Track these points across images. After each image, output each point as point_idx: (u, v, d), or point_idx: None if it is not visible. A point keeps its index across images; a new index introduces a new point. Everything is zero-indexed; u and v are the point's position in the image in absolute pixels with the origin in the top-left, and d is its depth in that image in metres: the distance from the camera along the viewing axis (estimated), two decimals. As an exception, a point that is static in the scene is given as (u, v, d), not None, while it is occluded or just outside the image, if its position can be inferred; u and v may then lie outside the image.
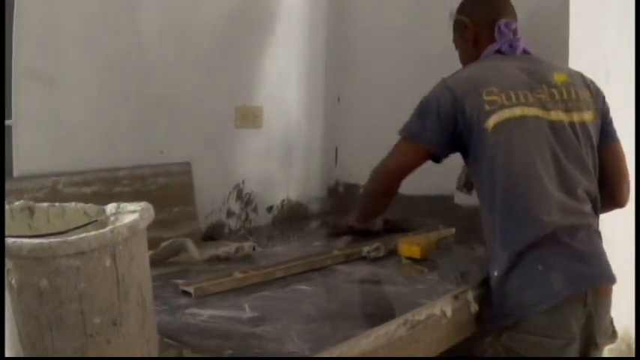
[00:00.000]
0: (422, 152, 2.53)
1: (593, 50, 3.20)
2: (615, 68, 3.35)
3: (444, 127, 2.44)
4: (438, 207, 3.32)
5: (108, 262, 1.39)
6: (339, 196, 3.82)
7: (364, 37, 3.71)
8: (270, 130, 3.38)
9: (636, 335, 2.24)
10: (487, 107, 2.37)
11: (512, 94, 2.41)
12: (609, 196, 2.55)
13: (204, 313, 1.95)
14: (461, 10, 2.80)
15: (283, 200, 3.50)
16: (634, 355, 2.82)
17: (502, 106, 2.37)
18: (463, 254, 2.70)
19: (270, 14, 3.34)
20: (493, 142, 2.36)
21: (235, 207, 3.21)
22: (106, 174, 2.59)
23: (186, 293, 2.11)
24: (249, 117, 3.22)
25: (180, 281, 2.19)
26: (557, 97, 2.46)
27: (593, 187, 2.44)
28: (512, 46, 2.62)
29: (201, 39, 2.97)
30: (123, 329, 1.43)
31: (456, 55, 2.76)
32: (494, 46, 2.63)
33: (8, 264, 1.35)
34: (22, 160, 2.36)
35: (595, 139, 2.49)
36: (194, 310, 1.97)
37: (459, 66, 2.76)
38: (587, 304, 2.26)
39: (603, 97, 2.59)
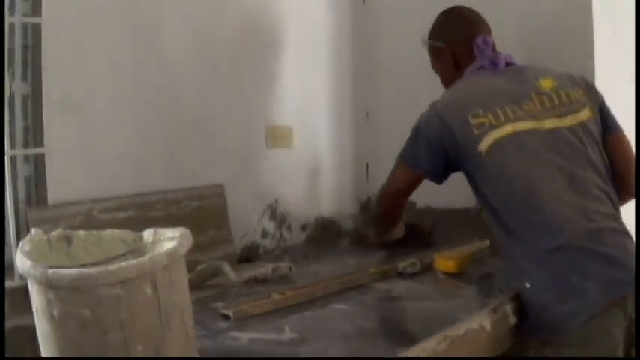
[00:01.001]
0: (417, 176, 2.63)
1: (617, 53, 3.19)
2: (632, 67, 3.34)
3: (436, 154, 2.49)
4: (470, 219, 3.31)
5: (149, 290, 1.39)
6: (371, 211, 3.81)
7: (390, 51, 3.71)
8: (301, 148, 3.39)
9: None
10: (476, 131, 2.39)
11: (499, 111, 2.41)
12: (620, 187, 2.51)
13: (245, 336, 1.94)
14: (433, 35, 2.85)
15: (317, 218, 3.49)
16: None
17: (491, 127, 2.39)
18: (498, 266, 2.68)
19: (294, 32, 3.34)
20: (490, 164, 2.37)
21: (269, 227, 3.20)
22: (140, 199, 2.59)
23: (225, 316, 2.11)
24: (279, 137, 3.22)
25: (218, 304, 2.19)
26: (547, 104, 2.46)
27: (609, 186, 2.42)
28: (492, 62, 2.63)
29: (228, 60, 2.99)
30: (165, 356, 1.44)
31: None
32: (476, 65, 2.66)
33: (49, 295, 1.36)
34: (57, 188, 2.37)
35: (598, 136, 2.48)
36: (234, 334, 1.97)
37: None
38: (627, 310, 2.22)
39: (596, 90, 2.59)
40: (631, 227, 3.02)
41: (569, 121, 2.44)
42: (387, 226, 3.02)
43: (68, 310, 1.36)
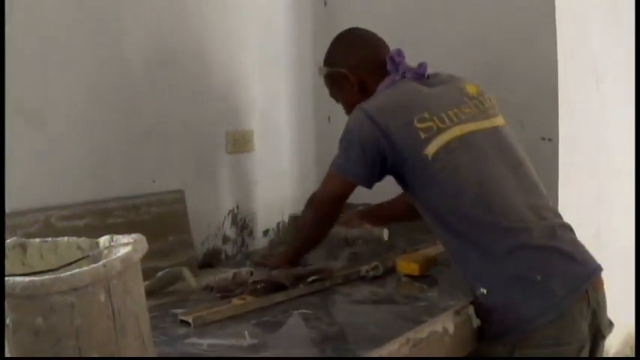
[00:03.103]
0: (350, 184, 2.49)
1: (582, 54, 3.20)
2: (605, 71, 3.35)
3: (370, 159, 2.38)
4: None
5: (103, 297, 1.37)
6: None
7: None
8: (262, 152, 3.38)
9: (636, 335, 2.25)
10: (422, 135, 2.33)
11: (443, 116, 2.38)
12: None
13: (204, 342, 1.93)
14: (331, 61, 2.71)
15: (279, 223, 3.49)
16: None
17: (439, 131, 2.34)
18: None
19: (256, 36, 3.34)
20: (438, 168, 2.32)
21: (231, 232, 3.19)
22: (99, 206, 2.57)
23: (184, 323, 2.09)
24: (240, 141, 3.21)
25: (178, 311, 2.17)
26: (480, 107, 2.47)
27: (542, 184, 2.45)
28: (417, 73, 2.55)
29: (188, 65, 2.97)
30: (121, 364, 1.42)
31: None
32: (391, 78, 2.55)
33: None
34: (14, 195, 2.34)
35: None
36: (194, 340, 1.95)
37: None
38: (590, 302, 2.25)
39: None
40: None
41: (498, 121, 2.49)
42: (314, 239, 2.72)
43: (21, 319, 1.33)
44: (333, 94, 2.76)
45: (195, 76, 3.01)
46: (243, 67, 3.27)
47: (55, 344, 1.34)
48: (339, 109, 3.67)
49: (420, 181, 2.38)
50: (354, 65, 2.61)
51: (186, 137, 2.95)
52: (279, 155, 3.51)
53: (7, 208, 2.31)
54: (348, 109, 2.66)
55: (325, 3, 3.81)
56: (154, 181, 2.80)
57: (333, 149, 3.66)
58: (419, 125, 2.34)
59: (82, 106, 2.55)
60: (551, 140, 3.08)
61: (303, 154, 3.68)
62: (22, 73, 2.35)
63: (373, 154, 2.37)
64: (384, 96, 2.50)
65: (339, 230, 2.91)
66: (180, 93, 2.93)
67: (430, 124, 2.34)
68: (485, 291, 2.27)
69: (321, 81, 3.18)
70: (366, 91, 2.59)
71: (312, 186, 3.58)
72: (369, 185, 2.46)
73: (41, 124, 2.43)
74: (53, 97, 2.46)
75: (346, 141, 2.45)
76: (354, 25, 2.80)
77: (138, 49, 2.75)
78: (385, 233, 2.80)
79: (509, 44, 3.18)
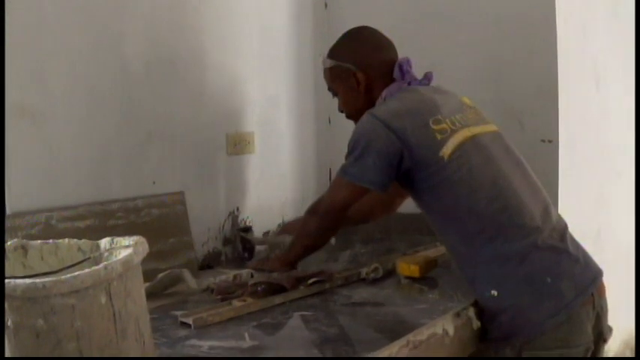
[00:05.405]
0: (362, 191, 2.44)
1: (582, 56, 3.20)
2: (605, 73, 3.35)
3: (386, 165, 2.35)
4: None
5: (103, 299, 1.38)
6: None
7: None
8: (263, 155, 3.38)
9: (636, 335, 2.26)
10: (438, 136, 2.33)
11: (454, 118, 2.40)
12: None
13: (205, 344, 1.93)
14: (339, 56, 2.65)
15: (279, 224, 3.48)
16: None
17: (452, 132, 2.36)
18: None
19: (256, 38, 3.33)
20: (453, 169, 2.32)
21: (231, 234, 3.19)
22: (100, 207, 2.57)
23: (185, 324, 2.09)
24: (240, 143, 3.21)
25: (178, 312, 2.18)
26: (479, 114, 2.52)
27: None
28: (427, 78, 2.59)
29: (188, 67, 2.97)
30: (122, 366, 1.42)
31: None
32: (399, 84, 2.54)
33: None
34: (15, 196, 2.34)
35: None
36: (194, 342, 1.96)
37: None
38: (595, 306, 2.28)
39: None
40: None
41: (495, 128, 2.52)
42: (312, 248, 2.66)
43: (22, 321, 1.34)
44: (332, 88, 2.70)
45: (196, 78, 3.01)
46: (244, 68, 3.27)
47: (55, 346, 1.35)
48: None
49: (434, 183, 2.36)
50: (364, 65, 2.58)
51: (186, 139, 2.95)
52: (280, 157, 3.51)
53: (8, 210, 2.32)
54: (346, 106, 2.68)
55: (326, 5, 3.81)
56: (154, 183, 2.80)
57: (334, 151, 3.70)
58: (434, 127, 2.35)
59: (83, 108, 2.56)
60: (551, 142, 3.09)
61: (304, 156, 3.68)
62: (24, 76, 2.36)
63: (390, 159, 2.34)
64: (395, 101, 2.48)
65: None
66: (181, 95, 2.94)
67: (444, 125, 2.36)
68: (495, 293, 2.27)
69: (322, 83, 3.17)
70: (371, 92, 2.58)
71: (312, 188, 3.60)
72: (385, 190, 2.42)
73: (42, 126, 2.43)
74: (54, 99, 2.46)
75: (359, 148, 2.38)
76: (354, 25, 2.78)
77: (138, 51, 2.75)
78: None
79: (510, 47, 3.18)
